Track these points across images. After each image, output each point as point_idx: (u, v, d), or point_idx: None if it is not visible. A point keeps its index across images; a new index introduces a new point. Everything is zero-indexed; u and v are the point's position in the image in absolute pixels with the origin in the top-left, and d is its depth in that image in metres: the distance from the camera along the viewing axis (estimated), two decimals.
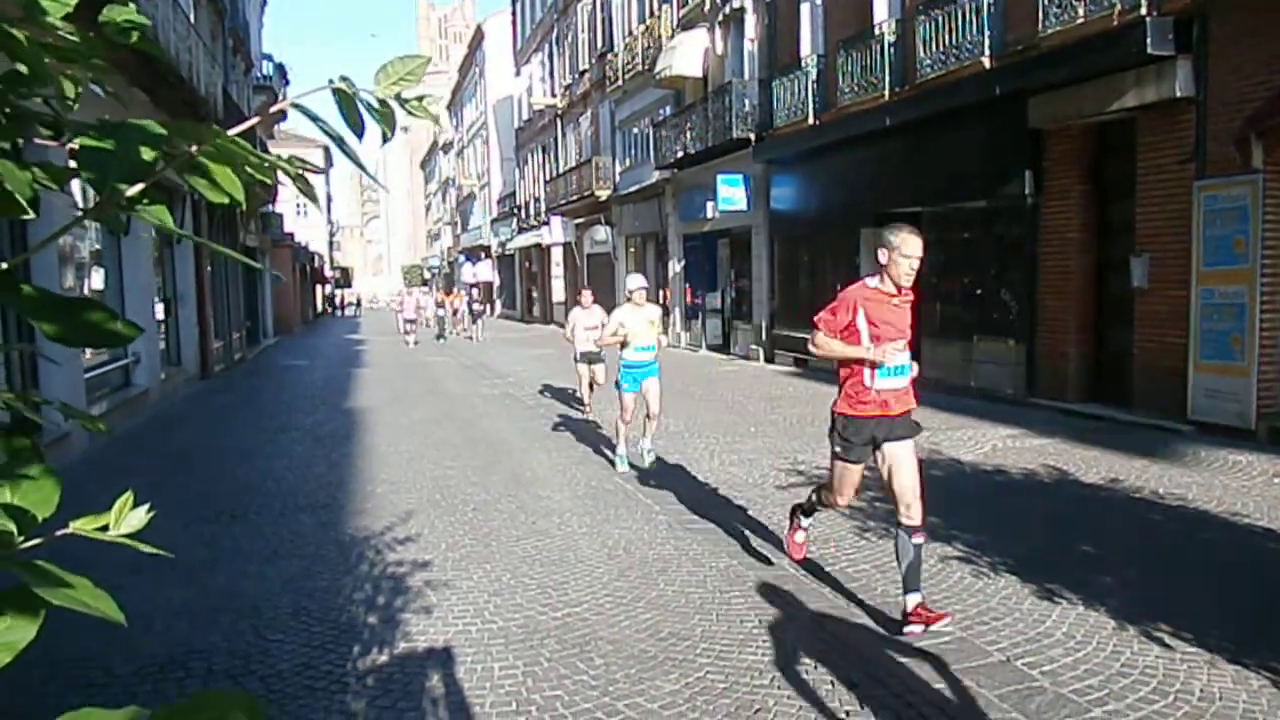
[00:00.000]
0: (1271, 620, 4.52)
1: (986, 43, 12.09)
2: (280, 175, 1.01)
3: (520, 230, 41.71)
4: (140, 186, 0.88)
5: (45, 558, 0.84)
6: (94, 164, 0.87)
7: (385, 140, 1.03)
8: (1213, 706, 3.62)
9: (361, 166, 1.07)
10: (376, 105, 0.98)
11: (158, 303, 14.80)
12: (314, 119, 1.01)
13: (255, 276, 28.67)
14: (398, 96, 0.99)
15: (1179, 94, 9.44)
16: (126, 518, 0.92)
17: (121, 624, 0.84)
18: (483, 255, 51.33)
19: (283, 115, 28.03)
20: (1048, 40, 10.87)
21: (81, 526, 0.89)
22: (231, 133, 0.93)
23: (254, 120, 1.03)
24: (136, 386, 12.86)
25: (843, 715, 3.63)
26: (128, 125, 0.89)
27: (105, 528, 0.91)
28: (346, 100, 0.96)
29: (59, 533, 0.89)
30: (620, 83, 26.00)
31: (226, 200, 0.94)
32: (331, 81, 0.96)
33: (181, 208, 15.94)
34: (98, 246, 12.28)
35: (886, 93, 14.32)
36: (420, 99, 1.00)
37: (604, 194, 28.56)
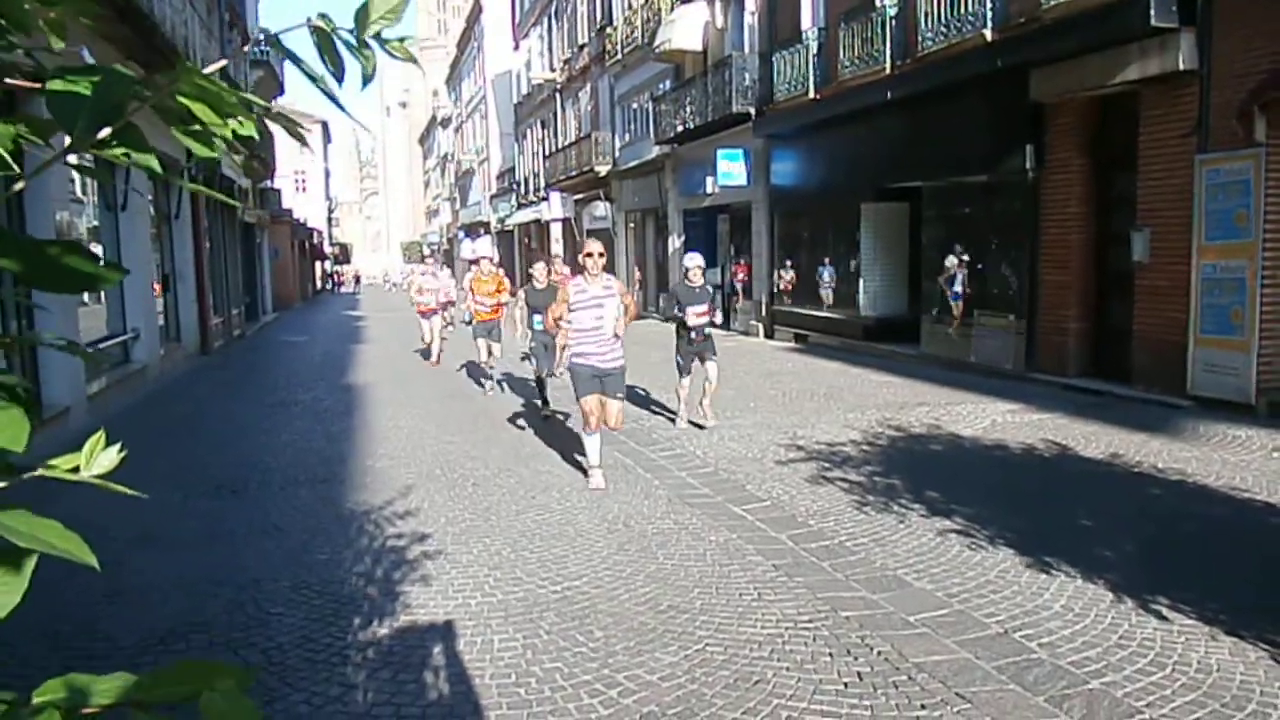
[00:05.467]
0: (1269, 593, 4.53)
1: (988, 15, 11.97)
2: (274, 129, 0.99)
3: (519, 206, 41.57)
4: (107, 131, 0.86)
5: (21, 503, 0.81)
6: (65, 107, 0.85)
7: (366, 82, 1.00)
8: (1210, 678, 3.63)
9: (341, 106, 1.03)
10: (355, 45, 0.95)
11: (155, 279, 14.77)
12: (291, 57, 0.98)
13: (254, 253, 28.59)
14: (378, 36, 0.96)
15: (1182, 67, 9.37)
16: (98, 458, 0.89)
17: (94, 567, 0.82)
18: (482, 231, 51.10)
19: (279, 88, 27.82)
20: (1050, 12, 10.76)
21: (53, 466, 0.88)
22: (207, 70, 0.91)
23: (222, 62, 1.00)
24: (136, 363, 12.84)
25: (841, 686, 3.64)
26: (100, 68, 0.87)
27: (77, 469, 0.89)
28: (325, 39, 0.93)
29: (25, 475, 0.87)
30: (619, 57, 25.81)
31: (213, 151, 0.92)
32: (310, 20, 0.93)
33: (179, 192, 15.86)
34: (96, 223, 12.22)
35: (887, 66, 14.21)
36: (401, 40, 0.97)
37: (603, 169, 28.41)
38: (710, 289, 9.51)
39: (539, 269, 10.80)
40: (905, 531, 5.66)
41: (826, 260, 17.01)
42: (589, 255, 7.19)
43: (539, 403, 10.50)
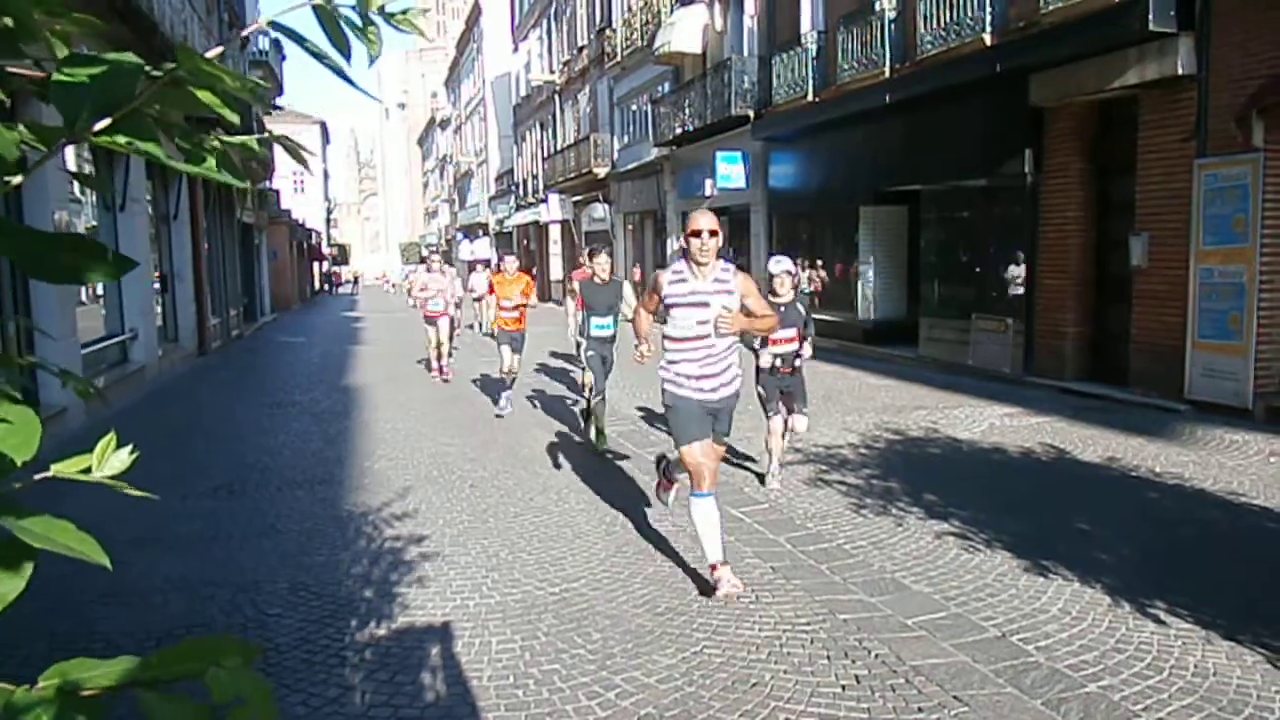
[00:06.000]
0: (1266, 597, 4.54)
1: (988, 19, 12.00)
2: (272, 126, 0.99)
3: (518, 207, 41.58)
4: (108, 121, 0.86)
5: (28, 504, 0.82)
6: (68, 98, 0.85)
7: (372, 60, 0.98)
8: (1207, 682, 3.64)
9: (349, 80, 1.02)
10: (359, 22, 0.94)
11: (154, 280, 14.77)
12: (294, 37, 0.97)
13: (252, 254, 28.58)
14: (381, 10, 0.95)
15: (1181, 71, 9.39)
16: (109, 459, 0.89)
17: (106, 567, 0.82)
18: (480, 233, 51.19)
19: (278, 88, 27.83)
20: (1049, 17, 10.79)
21: (63, 469, 0.88)
22: (209, 55, 0.91)
23: (220, 49, 0.99)
24: (134, 363, 12.84)
25: (839, 689, 3.64)
26: (102, 58, 0.86)
27: (88, 470, 0.89)
28: (328, 18, 0.92)
29: (38, 476, 0.87)
30: (619, 59, 25.84)
31: (213, 170, 0.92)
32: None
33: (178, 185, 15.86)
34: (94, 223, 12.22)
35: (887, 70, 14.23)
36: (405, 12, 0.96)
37: (602, 171, 28.44)
38: (801, 307, 6.91)
39: (602, 261, 8.40)
40: (903, 534, 5.67)
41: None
42: (695, 234, 4.73)
43: (582, 435, 8.86)
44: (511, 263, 11.23)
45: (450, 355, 13.67)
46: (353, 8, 0.94)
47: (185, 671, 0.86)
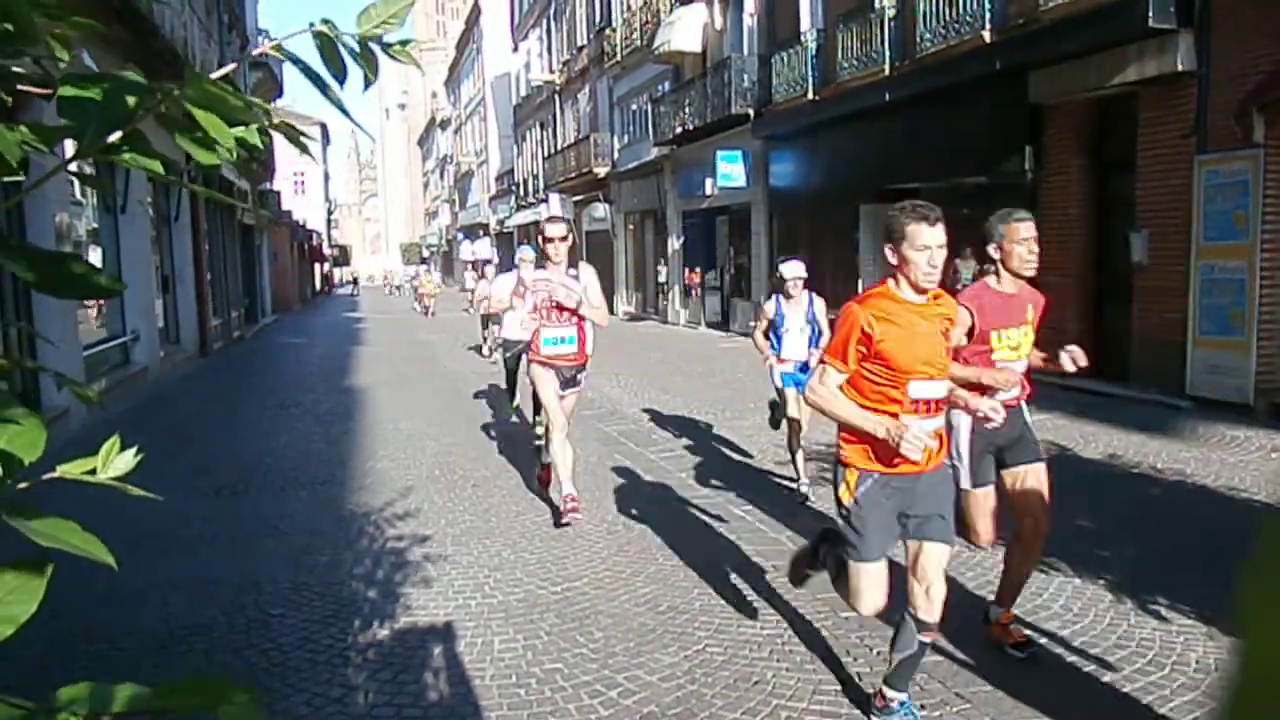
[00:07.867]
0: None
1: (987, 17, 12.00)
2: (273, 133, 0.99)
3: (519, 208, 41.59)
4: (119, 134, 0.87)
5: (34, 504, 0.83)
6: (75, 113, 0.86)
7: (367, 85, 1.00)
8: (1209, 678, 3.64)
9: (346, 113, 1.04)
10: (358, 49, 0.96)
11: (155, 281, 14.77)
12: (296, 61, 0.99)
13: (254, 255, 28.59)
14: (380, 40, 0.96)
15: (1180, 68, 9.38)
16: (114, 460, 0.90)
17: (111, 566, 0.83)
18: (481, 233, 51.22)
19: (278, 90, 27.87)
20: (1049, 14, 10.78)
21: (69, 470, 0.89)
22: (215, 75, 0.92)
23: (230, 67, 1.01)
24: (135, 364, 12.85)
25: (840, 687, 3.65)
26: (110, 75, 0.88)
27: (93, 471, 0.90)
28: (327, 44, 0.94)
29: (45, 476, 0.88)
30: (618, 58, 25.83)
31: (215, 159, 0.93)
32: (312, 24, 0.94)
33: (178, 194, 15.87)
34: (95, 225, 12.22)
35: (886, 68, 14.23)
36: (403, 43, 0.98)
37: (602, 171, 28.44)
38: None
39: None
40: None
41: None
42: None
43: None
44: (935, 253, 3.27)
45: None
46: (352, 35, 0.96)
47: (193, 706, 0.87)
